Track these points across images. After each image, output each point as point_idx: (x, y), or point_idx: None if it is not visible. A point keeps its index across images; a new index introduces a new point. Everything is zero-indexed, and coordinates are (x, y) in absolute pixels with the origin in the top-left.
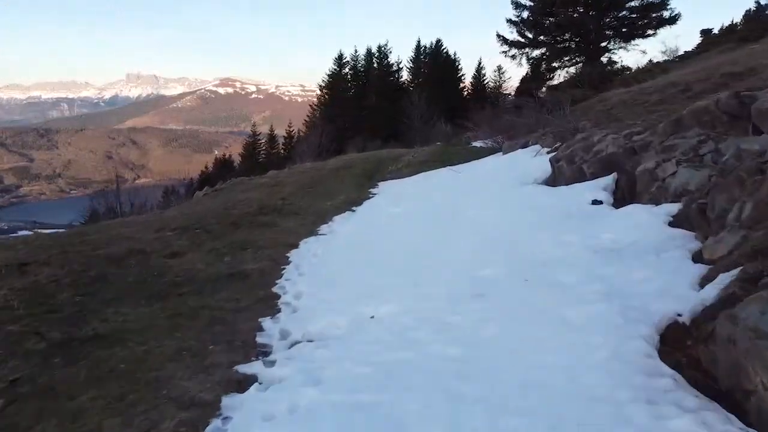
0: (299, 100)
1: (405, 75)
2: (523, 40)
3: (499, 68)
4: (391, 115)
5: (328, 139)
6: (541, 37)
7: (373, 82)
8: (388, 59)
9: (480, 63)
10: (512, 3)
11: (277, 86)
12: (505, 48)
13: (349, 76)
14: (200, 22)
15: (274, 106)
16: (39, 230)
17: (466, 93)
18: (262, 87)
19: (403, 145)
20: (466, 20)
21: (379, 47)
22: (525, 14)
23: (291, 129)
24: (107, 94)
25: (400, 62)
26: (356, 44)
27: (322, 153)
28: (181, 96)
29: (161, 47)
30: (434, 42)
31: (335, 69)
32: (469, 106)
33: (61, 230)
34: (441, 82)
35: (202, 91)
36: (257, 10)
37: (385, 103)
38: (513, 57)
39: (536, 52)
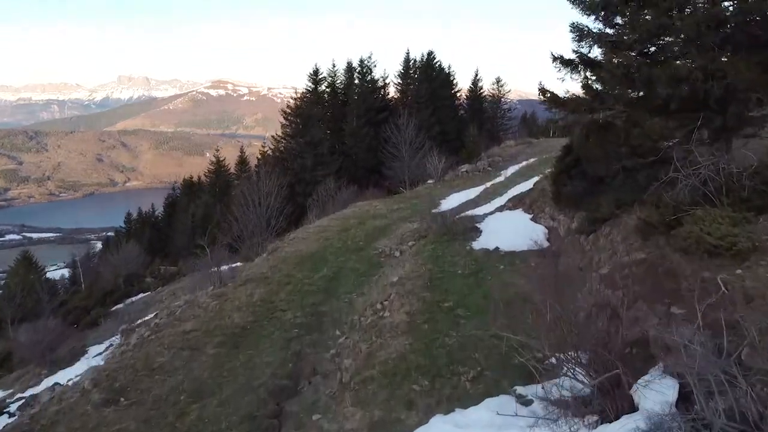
0: (292, 102)
1: (393, 91)
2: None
3: (498, 80)
4: (374, 143)
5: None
6: None
7: (354, 102)
8: (372, 74)
9: (477, 75)
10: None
11: (269, 88)
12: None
13: (326, 95)
14: (193, 24)
15: (267, 108)
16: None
17: (461, 110)
18: (254, 89)
19: (384, 193)
20: (463, 24)
21: (362, 61)
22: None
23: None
24: (98, 96)
25: (387, 77)
26: (343, 56)
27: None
28: (173, 98)
29: (153, 49)
30: (425, 54)
31: (310, 86)
32: (464, 129)
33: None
34: (433, 101)
35: (194, 93)
36: (251, 11)
37: (368, 127)
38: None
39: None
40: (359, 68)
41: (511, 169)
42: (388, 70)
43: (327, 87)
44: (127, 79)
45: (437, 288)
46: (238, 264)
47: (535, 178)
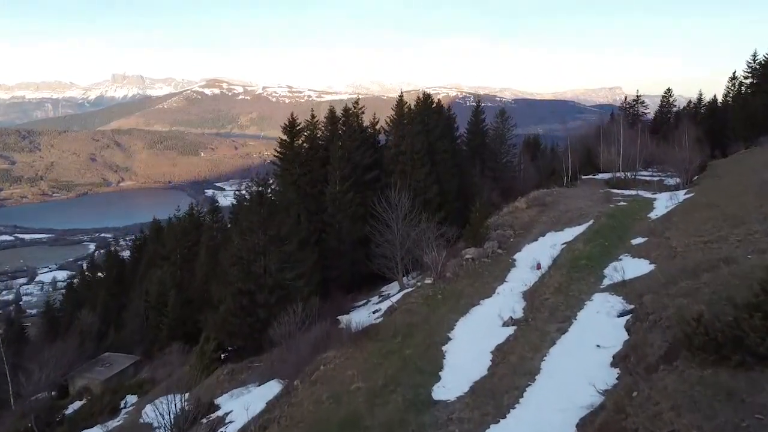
0: (286, 101)
1: (384, 134)
2: None
3: (503, 113)
4: (360, 210)
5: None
6: None
7: (336, 160)
8: (360, 119)
9: (479, 105)
10: None
11: (264, 87)
12: None
13: (303, 150)
14: (188, 22)
15: (261, 108)
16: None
17: (462, 144)
18: (249, 88)
19: (369, 288)
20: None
21: (347, 111)
22: None
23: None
24: (92, 95)
25: (377, 122)
26: (343, 54)
27: None
28: (167, 97)
29: (148, 47)
30: (422, 96)
31: (285, 140)
32: (467, 181)
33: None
34: (431, 155)
35: (189, 91)
36: (248, 8)
37: (353, 191)
38: None
39: None
40: (343, 118)
41: (527, 252)
42: (379, 115)
43: (305, 142)
44: (121, 78)
45: None
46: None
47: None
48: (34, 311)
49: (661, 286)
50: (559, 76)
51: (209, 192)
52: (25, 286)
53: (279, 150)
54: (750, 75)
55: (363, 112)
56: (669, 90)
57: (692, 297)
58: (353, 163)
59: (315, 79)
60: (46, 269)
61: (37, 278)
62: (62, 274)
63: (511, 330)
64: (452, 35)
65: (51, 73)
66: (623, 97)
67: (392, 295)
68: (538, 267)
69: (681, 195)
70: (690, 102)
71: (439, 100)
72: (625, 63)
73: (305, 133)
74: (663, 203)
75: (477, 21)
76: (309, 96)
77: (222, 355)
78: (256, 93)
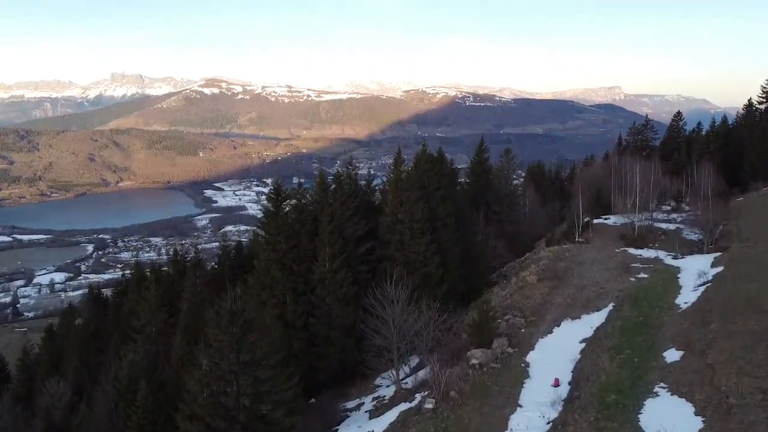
0: (286, 101)
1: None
2: None
3: (508, 152)
4: (351, 291)
5: None
6: None
7: (326, 233)
8: (353, 179)
9: (482, 143)
10: None
11: (263, 87)
12: None
13: (290, 219)
14: (188, 20)
15: (261, 107)
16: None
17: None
18: (249, 87)
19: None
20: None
21: (338, 177)
22: None
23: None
24: (91, 94)
25: (373, 180)
26: (344, 56)
27: None
28: (167, 96)
29: (147, 46)
30: (420, 151)
31: (270, 209)
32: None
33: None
34: (432, 221)
35: (188, 91)
36: (248, 7)
37: (346, 269)
38: None
39: None
40: (334, 185)
41: (542, 352)
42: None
43: (292, 211)
44: (120, 77)
45: None
46: None
47: None
48: (31, 314)
49: None
50: (558, 75)
51: (208, 192)
52: (23, 288)
53: (263, 221)
54: (765, 100)
55: (356, 172)
56: (679, 114)
57: None
58: (345, 237)
59: (314, 79)
60: (44, 271)
61: (35, 280)
62: (60, 276)
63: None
64: (452, 35)
65: (50, 72)
66: (622, 96)
67: (387, 398)
68: (557, 383)
69: (709, 269)
70: (699, 125)
71: (440, 153)
72: (624, 63)
73: (292, 202)
74: (690, 280)
75: (477, 21)
76: (308, 96)
77: None
78: (256, 93)
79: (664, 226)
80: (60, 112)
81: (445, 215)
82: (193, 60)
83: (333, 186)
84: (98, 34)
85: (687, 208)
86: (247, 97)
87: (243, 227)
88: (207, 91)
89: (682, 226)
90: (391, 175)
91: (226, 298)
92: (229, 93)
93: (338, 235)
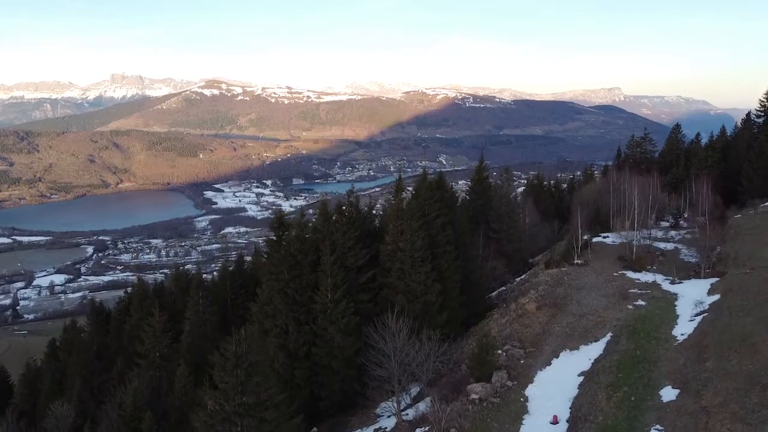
0: (286, 102)
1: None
2: None
3: (507, 171)
4: (353, 321)
5: None
6: None
7: (327, 264)
8: (357, 208)
9: (482, 160)
10: None
11: (263, 88)
12: None
13: (293, 249)
14: (188, 21)
15: (261, 108)
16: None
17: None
18: (249, 88)
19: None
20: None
21: (340, 207)
22: None
23: None
24: (91, 95)
25: (374, 207)
26: (345, 57)
27: None
28: (167, 97)
29: (147, 47)
30: (419, 177)
31: (272, 240)
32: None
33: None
34: (432, 248)
35: (188, 92)
36: (248, 9)
37: (347, 299)
38: None
39: None
40: (335, 215)
41: (541, 387)
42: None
43: (295, 240)
44: (120, 78)
45: None
46: None
47: None
48: (31, 316)
49: None
50: (558, 76)
51: (208, 193)
52: (23, 290)
53: (266, 252)
54: (762, 114)
55: (357, 201)
56: (678, 126)
57: None
58: (346, 267)
59: (314, 80)
60: (44, 273)
61: (35, 282)
62: (60, 278)
63: None
64: (452, 35)
65: (50, 73)
66: (622, 98)
67: (388, 430)
68: (555, 421)
69: (705, 297)
70: (699, 136)
71: (441, 178)
72: (624, 64)
73: (294, 232)
74: (687, 308)
75: (477, 21)
76: (308, 97)
77: None
78: (256, 94)
79: (662, 245)
80: (60, 113)
81: (446, 242)
82: (193, 61)
83: (335, 216)
84: (98, 35)
85: (685, 225)
86: (247, 98)
87: (243, 228)
88: (207, 92)
89: (680, 246)
90: (392, 201)
91: (230, 340)
92: (229, 94)
93: (340, 265)
